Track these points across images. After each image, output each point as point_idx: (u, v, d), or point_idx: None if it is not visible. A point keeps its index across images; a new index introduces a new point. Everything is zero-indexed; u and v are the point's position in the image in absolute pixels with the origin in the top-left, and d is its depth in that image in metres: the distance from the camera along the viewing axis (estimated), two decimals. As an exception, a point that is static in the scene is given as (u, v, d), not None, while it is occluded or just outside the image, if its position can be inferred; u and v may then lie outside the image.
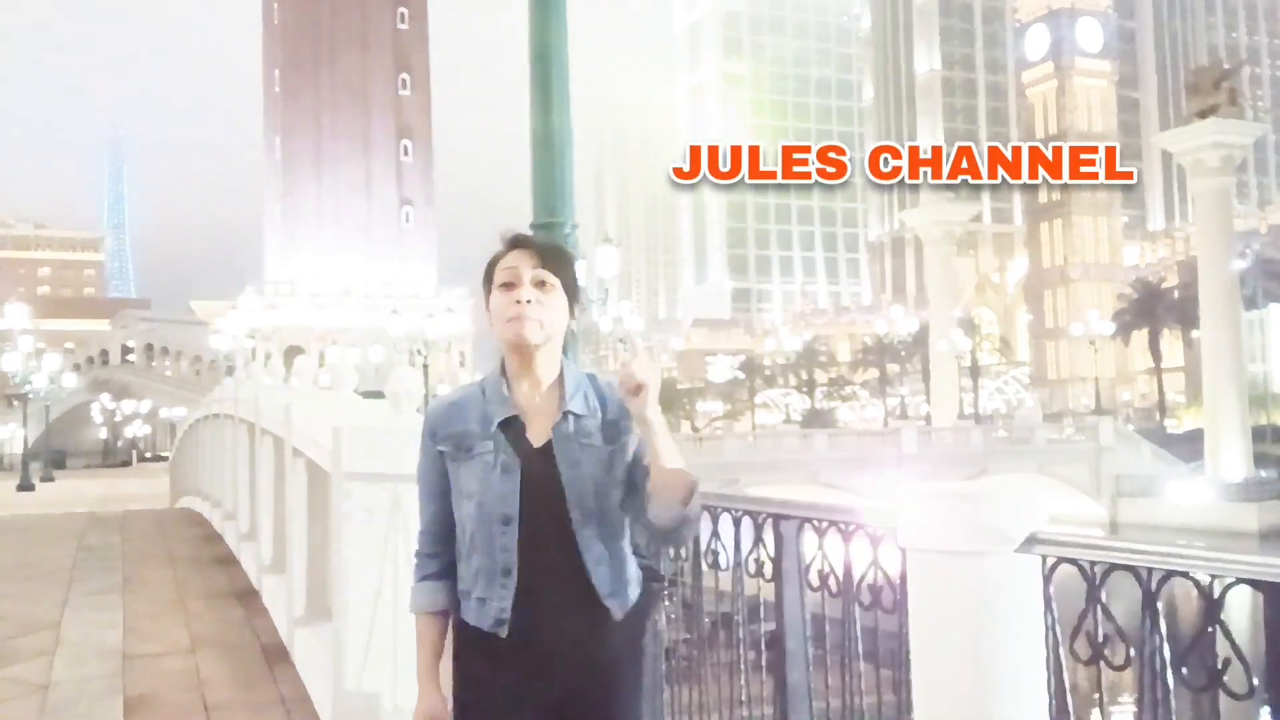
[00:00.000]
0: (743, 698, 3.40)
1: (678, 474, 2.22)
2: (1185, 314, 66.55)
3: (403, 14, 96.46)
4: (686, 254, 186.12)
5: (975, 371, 74.01)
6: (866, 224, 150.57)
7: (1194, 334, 61.69)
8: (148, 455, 75.68)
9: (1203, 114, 48.06)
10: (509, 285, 2.33)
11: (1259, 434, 48.92)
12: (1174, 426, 69.00)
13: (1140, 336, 76.72)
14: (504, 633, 2.30)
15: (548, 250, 2.38)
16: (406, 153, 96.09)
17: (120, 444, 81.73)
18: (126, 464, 70.41)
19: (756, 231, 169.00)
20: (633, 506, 2.35)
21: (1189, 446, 50.76)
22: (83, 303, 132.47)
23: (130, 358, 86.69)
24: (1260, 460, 46.00)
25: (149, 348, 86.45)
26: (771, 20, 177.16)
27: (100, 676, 6.21)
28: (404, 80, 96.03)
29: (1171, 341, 76.58)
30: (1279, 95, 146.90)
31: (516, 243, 2.40)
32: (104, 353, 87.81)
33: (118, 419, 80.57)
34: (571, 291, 2.39)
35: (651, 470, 2.24)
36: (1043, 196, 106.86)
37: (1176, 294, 74.58)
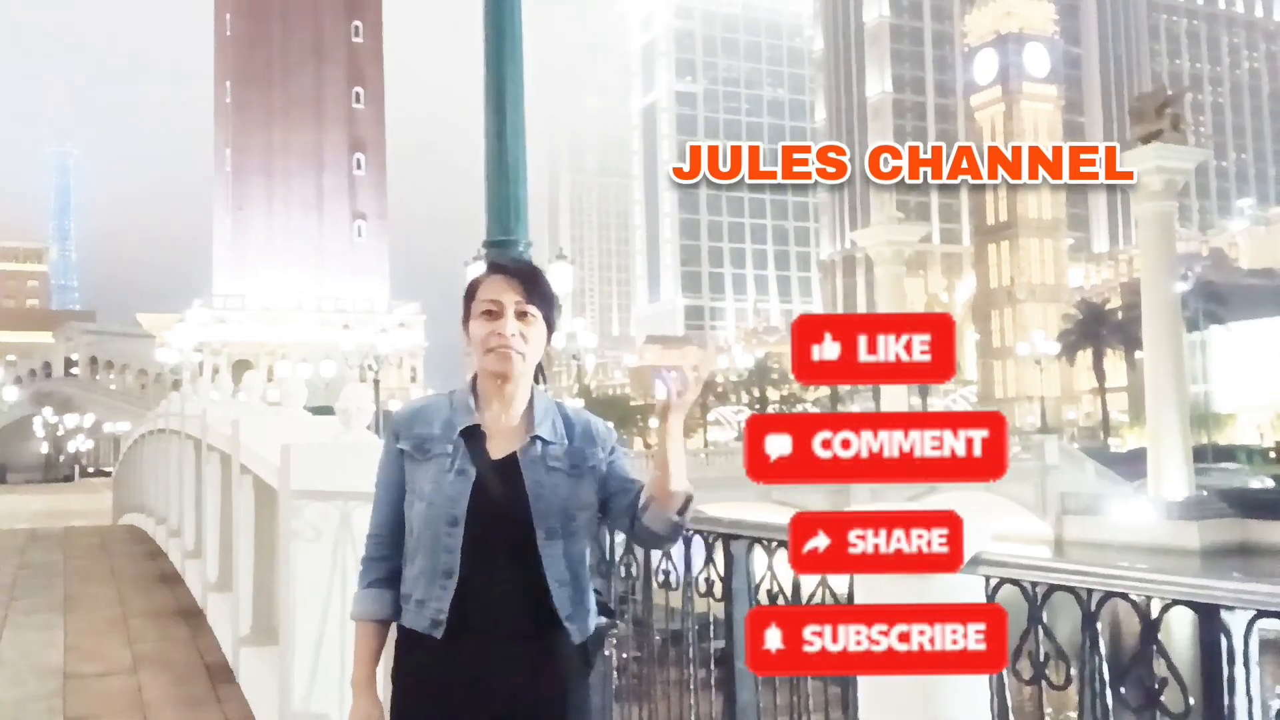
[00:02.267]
0: (692, 717, 3.41)
1: (679, 487, 2.31)
2: (1128, 335, 67.66)
3: (357, 27, 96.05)
4: (640, 271, 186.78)
5: (924, 390, 74.73)
6: (818, 243, 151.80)
7: (1137, 354, 62.77)
8: (90, 470, 74.30)
9: (1146, 139, 48.95)
10: (491, 314, 2.37)
11: (1200, 454, 49.78)
12: (1118, 445, 70.08)
13: (1085, 356, 77.87)
14: (439, 634, 2.29)
15: (531, 280, 2.42)
16: (360, 166, 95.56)
17: (63, 458, 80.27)
18: (69, 479, 69.12)
19: (710, 249, 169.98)
20: (615, 515, 2.43)
21: (1132, 465, 51.54)
22: (25, 314, 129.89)
23: (74, 371, 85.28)
24: (1202, 479, 46.77)
25: (93, 361, 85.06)
26: (725, 41, 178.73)
27: (40, 697, 6.10)
28: (358, 94, 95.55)
29: (1115, 362, 77.79)
30: (1220, 121, 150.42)
31: (500, 269, 2.45)
32: (47, 365, 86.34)
33: (60, 433, 79.17)
34: (550, 321, 2.44)
35: (655, 479, 2.32)
36: (990, 218, 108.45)
37: (1120, 315, 75.81)
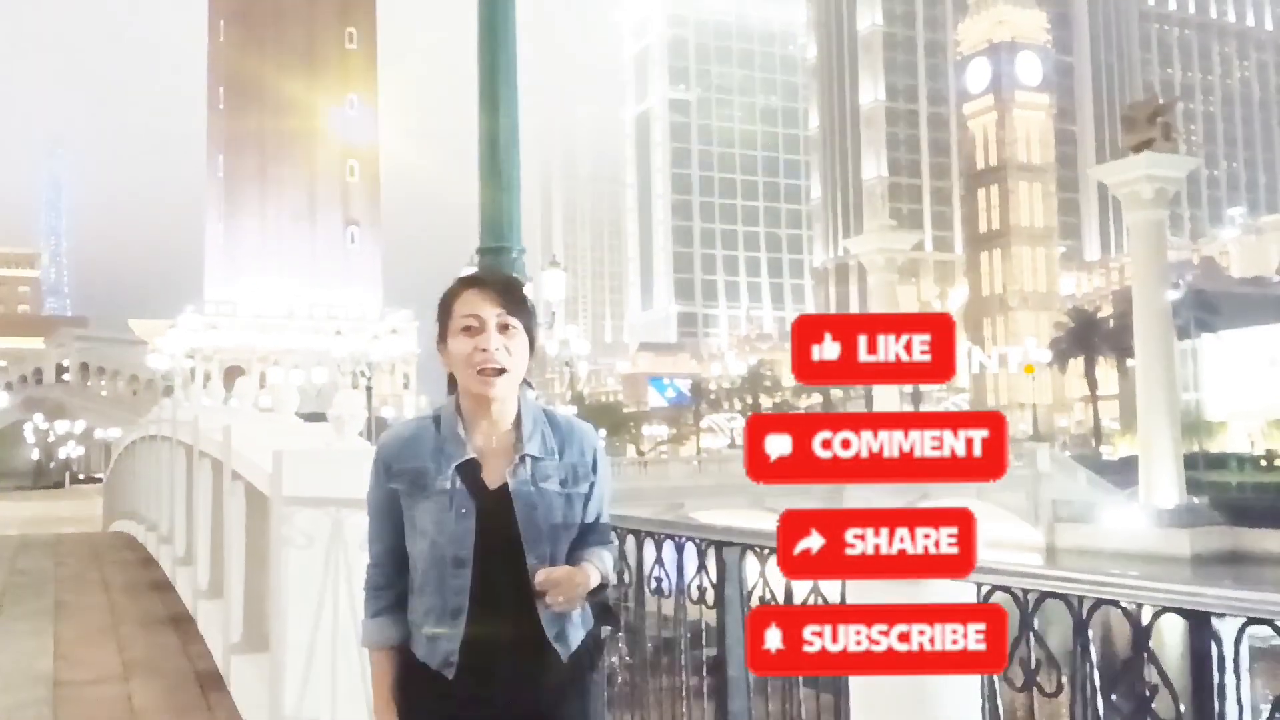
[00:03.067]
0: (684, 724, 3.41)
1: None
2: (1120, 343, 67.76)
3: (351, 34, 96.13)
4: (633, 279, 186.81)
5: (916, 397, 74.78)
6: (811, 251, 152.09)
7: (1129, 362, 62.86)
8: (81, 477, 74.07)
9: (1137, 148, 49.14)
10: (472, 330, 2.28)
11: (1191, 461, 49.81)
12: (1109, 453, 70.14)
13: (1076, 364, 77.99)
14: (451, 674, 2.27)
15: (510, 292, 2.33)
16: (353, 173, 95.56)
17: (53, 465, 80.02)
18: (59, 486, 68.95)
19: (703, 257, 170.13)
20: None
21: (1124, 473, 51.65)
22: (17, 320, 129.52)
23: (65, 377, 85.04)
24: (1193, 487, 46.87)
25: (85, 367, 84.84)
26: (718, 49, 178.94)
27: (30, 704, 6.07)
28: (351, 101, 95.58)
29: (1107, 369, 77.89)
30: (1211, 130, 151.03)
31: (476, 282, 2.35)
32: (38, 371, 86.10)
33: (51, 439, 78.92)
34: (531, 333, 2.36)
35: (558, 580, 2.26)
36: (982, 226, 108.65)
37: (1111, 323, 75.90)
